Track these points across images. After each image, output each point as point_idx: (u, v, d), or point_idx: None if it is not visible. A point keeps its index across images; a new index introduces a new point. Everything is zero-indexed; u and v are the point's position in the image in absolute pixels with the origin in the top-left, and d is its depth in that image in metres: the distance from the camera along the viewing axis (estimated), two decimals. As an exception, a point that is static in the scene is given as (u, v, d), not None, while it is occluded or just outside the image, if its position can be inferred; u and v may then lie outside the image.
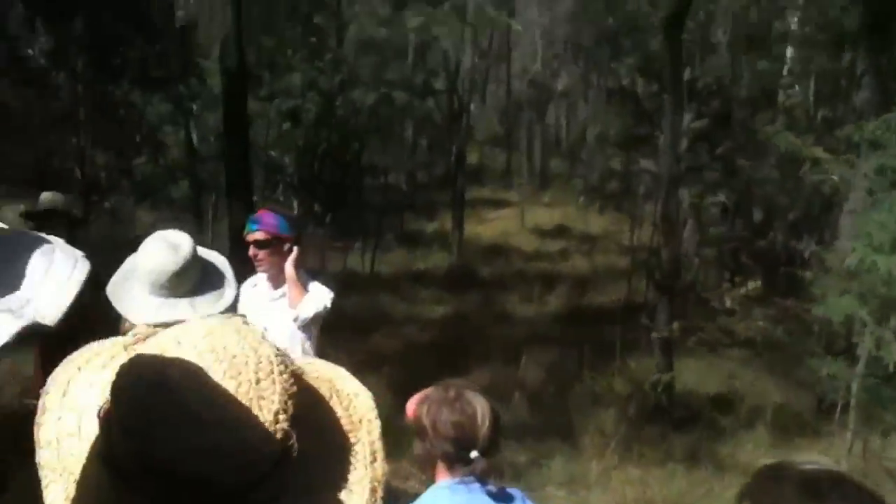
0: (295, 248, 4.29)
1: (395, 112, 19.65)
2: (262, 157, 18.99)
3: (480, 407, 2.41)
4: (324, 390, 1.21)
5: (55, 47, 12.36)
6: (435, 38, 18.48)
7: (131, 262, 3.08)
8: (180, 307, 3.00)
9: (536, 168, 32.25)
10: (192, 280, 3.04)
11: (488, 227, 23.29)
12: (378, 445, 1.18)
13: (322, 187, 19.03)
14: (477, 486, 2.38)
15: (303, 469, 1.06)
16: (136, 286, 3.04)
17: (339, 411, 1.20)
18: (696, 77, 14.56)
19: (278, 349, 1.15)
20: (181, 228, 3.23)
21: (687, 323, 9.16)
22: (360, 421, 1.19)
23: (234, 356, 1.02)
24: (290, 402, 1.03)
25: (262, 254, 4.31)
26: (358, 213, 19.36)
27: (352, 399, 1.21)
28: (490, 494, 2.40)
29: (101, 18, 12.58)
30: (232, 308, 3.26)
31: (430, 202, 25.19)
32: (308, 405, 1.13)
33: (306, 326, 4.28)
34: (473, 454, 2.36)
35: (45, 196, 5.64)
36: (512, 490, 2.47)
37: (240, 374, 1.00)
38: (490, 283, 15.84)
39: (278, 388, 1.03)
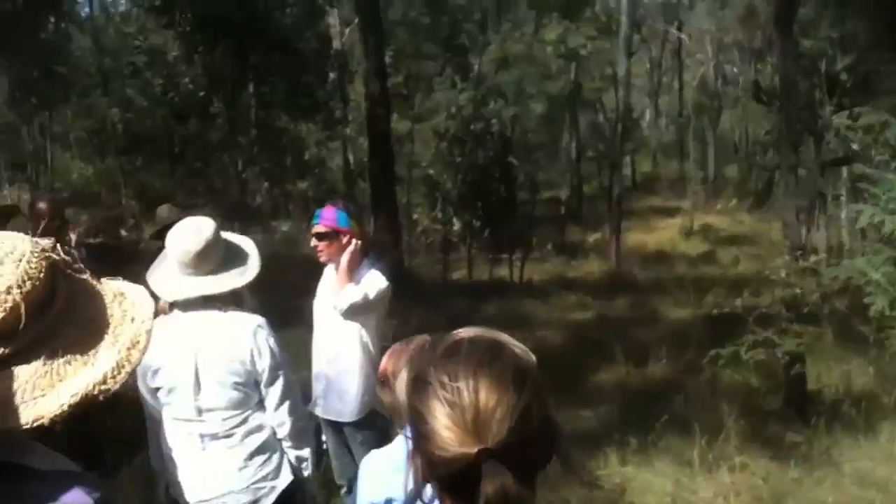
0: (353, 241, 4.48)
1: (555, 124, 19.89)
2: (420, 174, 19.71)
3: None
4: (108, 294, 1.48)
5: (212, 77, 13.37)
6: (588, 52, 18.48)
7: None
8: (204, 283, 3.39)
9: (710, 175, 31.38)
10: (216, 259, 3.41)
11: (655, 235, 22.86)
12: (142, 339, 1.42)
13: (480, 202, 19.45)
14: None
15: (52, 339, 1.35)
16: (167, 267, 3.45)
17: (114, 310, 1.45)
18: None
19: (45, 249, 1.41)
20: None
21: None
22: (132, 320, 1.44)
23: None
24: (28, 283, 1.31)
25: (321, 245, 4.55)
26: (515, 225, 19.51)
27: (133, 304, 1.48)
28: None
29: (256, 48, 13.45)
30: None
31: (596, 213, 24.98)
32: (81, 297, 1.44)
33: (355, 314, 4.46)
34: None
35: (162, 210, 6.19)
36: None
37: None
38: (644, 288, 15.51)
39: (19, 271, 1.31)
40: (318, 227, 4.53)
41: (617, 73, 21.05)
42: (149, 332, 1.44)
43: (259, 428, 3.47)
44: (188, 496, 3.52)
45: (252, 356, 3.36)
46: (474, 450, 1.13)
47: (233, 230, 5.10)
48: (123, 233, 12.21)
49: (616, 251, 18.27)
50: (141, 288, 1.53)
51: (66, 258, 1.44)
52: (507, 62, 17.39)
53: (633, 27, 20.09)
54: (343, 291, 4.38)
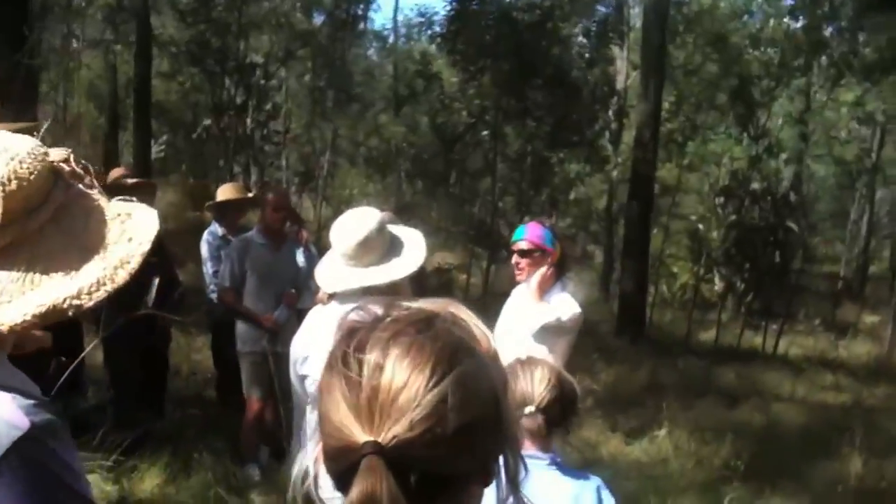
0: (550, 263, 4.37)
1: (846, 194, 18.49)
2: (685, 226, 19.06)
3: (543, 370, 2.38)
4: (111, 211, 1.43)
5: (483, 106, 13.77)
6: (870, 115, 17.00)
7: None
8: (362, 274, 3.34)
9: None
10: (377, 250, 3.34)
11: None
12: (133, 260, 1.33)
13: (748, 263, 18.46)
14: (543, 458, 2.34)
15: (33, 245, 1.30)
16: (331, 259, 3.46)
17: (113, 227, 1.40)
18: None
19: (47, 153, 1.41)
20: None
21: None
22: (130, 240, 1.36)
23: None
24: (14, 182, 1.28)
25: (523, 262, 4.46)
26: (784, 294, 18.26)
27: (136, 225, 1.39)
28: (556, 465, 2.36)
29: (530, 81, 13.69)
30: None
31: (880, 295, 22.79)
32: (77, 209, 1.38)
33: (546, 338, 4.31)
34: (528, 409, 2.32)
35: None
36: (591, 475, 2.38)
37: None
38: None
39: (8, 169, 1.29)
40: (522, 244, 4.44)
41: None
42: (143, 255, 1.33)
43: None
44: (322, 492, 3.52)
45: None
46: (361, 440, 0.87)
47: (479, 259, 5.01)
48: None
49: (892, 336, 16.54)
50: (151, 210, 1.42)
51: (77, 169, 1.38)
52: (792, 119, 16.38)
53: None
54: (537, 312, 4.24)
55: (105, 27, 16.17)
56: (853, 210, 25.43)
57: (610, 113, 17.38)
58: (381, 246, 3.34)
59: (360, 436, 0.87)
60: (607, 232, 18.43)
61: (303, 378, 3.50)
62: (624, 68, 19.48)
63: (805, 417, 9.98)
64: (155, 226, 1.39)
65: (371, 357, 0.89)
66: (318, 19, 20.22)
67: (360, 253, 3.31)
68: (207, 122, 19.16)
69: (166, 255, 6.08)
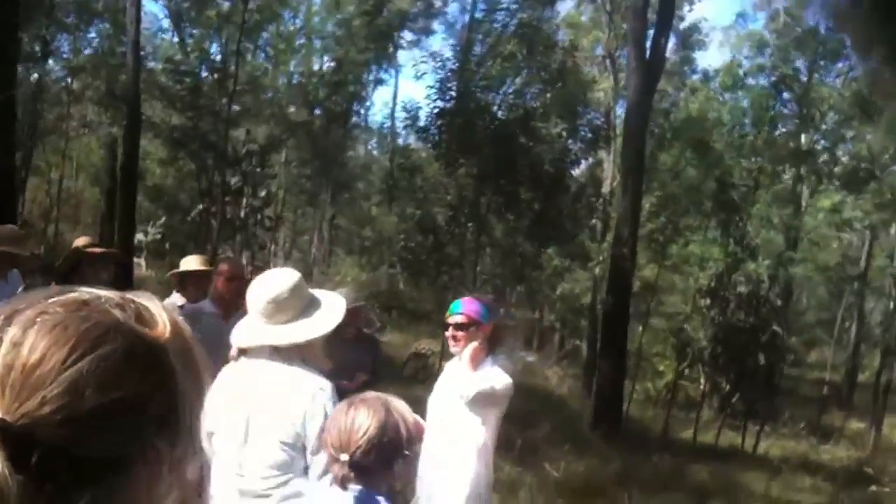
0: (483, 337, 4.43)
1: (835, 301, 18.61)
2: (670, 325, 19.11)
3: (365, 415, 2.42)
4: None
5: (461, 197, 14.05)
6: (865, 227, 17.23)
7: None
8: (271, 332, 3.38)
9: None
10: (291, 310, 3.37)
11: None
12: None
13: (733, 366, 18.46)
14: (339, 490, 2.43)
15: None
16: (250, 317, 3.49)
17: None
18: None
19: None
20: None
21: None
22: None
23: None
24: None
25: (459, 335, 4.50)
26: (767, 395, 18.19)
27: None
28: (354, 498, 2.41)
29: (507, 176, 13.98)
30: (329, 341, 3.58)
31: (867, 403, 22.59)
32: None
33: (478, 407, 4.34)
34: (342, 456, 2.38)
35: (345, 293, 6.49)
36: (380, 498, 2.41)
37: None
38: (894, 480, 13.65)
39: None
40: (458, 318, 4.48)
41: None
42: None
43: (297, 495, 3.25)
44: None
45: (304, 418, 3.18)
46: None
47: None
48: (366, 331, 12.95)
49: (875, 441, 16.40)
50: None
51: None
52: (771, 224, 16.61)
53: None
54: (470, 380, 4.25)
55: (99, 110, 16.60)
56: (840, 315, 25.47)
57: (594, 211, 17.66)
58: (293, 306, 3.36)
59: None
60: (591, 327, 18.48)
61: (209, 434, 3.51)
62: (610, 170, 19.91)
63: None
64: None
65: (11, 333, 0.87)
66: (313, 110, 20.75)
67: (273, 311, 3.35)
68: (201, 206, 19.47)
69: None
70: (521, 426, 12.06)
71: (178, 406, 0.92)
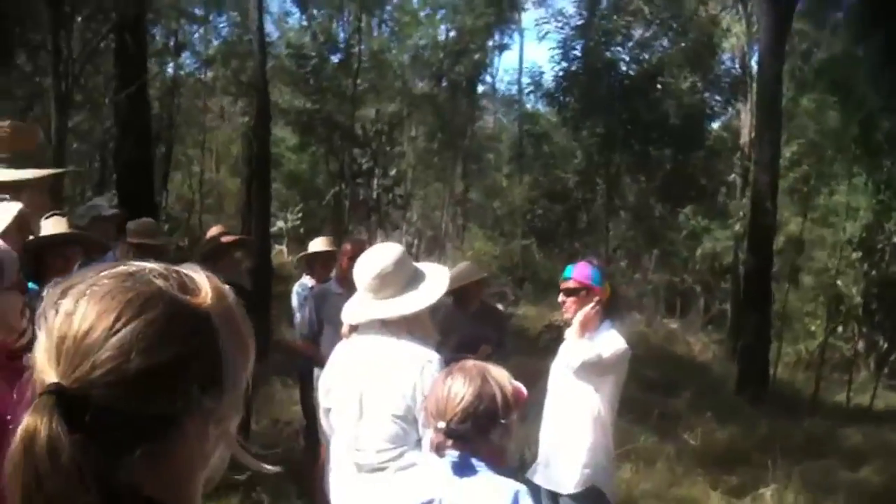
0: (596, 300, 4.32)
1: None
2: (820, 281, 18.25)
3: (462, 383, 2.41)
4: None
5: (592, 162, 13.77)
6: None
7: None
8: (378, 306, 3.41)
9: None
10: (397, 284, 3.40)
11: None
12: None
13: (890, 323, 17.46)
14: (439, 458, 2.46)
15: None
16: (359, 294, 3.53)
17: None
18: None
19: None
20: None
21: None
22: None
23: None
24: None
25: (569, 301, 4.43)
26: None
27: None
28: (452, 463, 2.42)
29: (638, 137, 13.61)
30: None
31: None
32: None
33: (588, 375, 4.24)
34: (439, 424, 2.41)
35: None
36: (478, 463, 2.40)
37: None
38: None
39: None
40: (569, 283, 4.42)
41: None
42: None
43: (412, 467, 3.26)
44: None
45: (414, 391, 3.22)
46: (49, 380, 0.91)
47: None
48: (500, 307, 12.95)
49: None
50: None
51: None
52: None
53: None
54: (576, 348, 4.19)
55: (231, 100, 17.16)
56: None
57: (732, 166, 16.96)
58: (398, 280, 3.39)
59: (50, 378, 0.93)
60: (734, 288, 17.82)
61: (327, 411, 3.58)
62: (748, 121, 19.03)
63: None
64: None
65: (65, 305, 0.96)
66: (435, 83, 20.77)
67: (379, 286, 3.38)
68: (334, 189, 19.91)
69: (252, 307, 6.33)
70: (662, 394, 11.82)
71: (222, 367, 1.00)
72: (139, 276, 1.00)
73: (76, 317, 0.94)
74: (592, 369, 4.18)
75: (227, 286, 1.08)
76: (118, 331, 0.93)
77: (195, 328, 0.99)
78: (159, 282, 1.00)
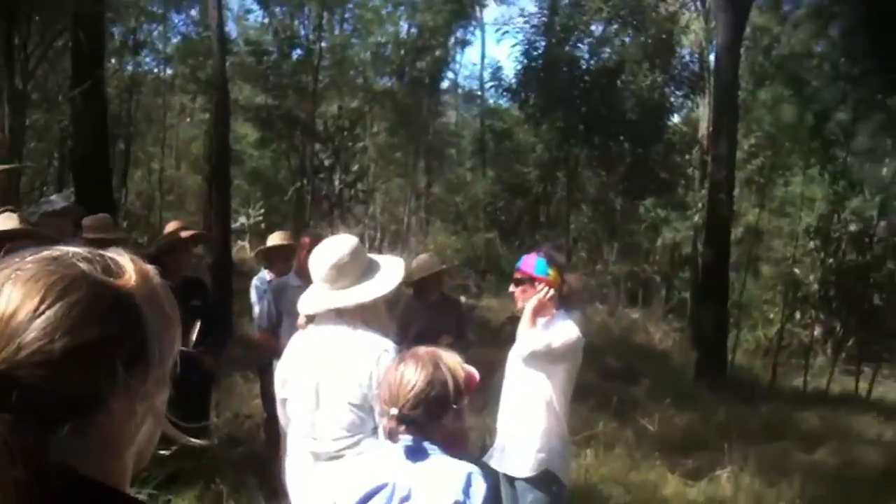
0: (545, 289, 4.38)
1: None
2: (777, 271, 18.55)
3: (414, 370, 2.46)
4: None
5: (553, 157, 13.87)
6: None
7: None
8: (333, 296, 3.45)
9: None
10: (352, 274, 3.45)
11: None
12: None
13: (846, 309, 17.80)
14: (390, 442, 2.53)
15: None
16: (315, 285, 3.58)
17: None
18: None
19: None
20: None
21: None
22: None
23: None
24: None
25: (517, 291, 4.51)
26: (883, 339, 17.43)
27: None
28: (405, 448, 2.47)
29: (600, 132, 13.73)
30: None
31: None
32: None
33: (538, 364, 4.30)
34: (392, 411, 2.45)
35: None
36: (431, 447, 2.46)
37: None
38: None
39: None
40: (516, 274, 4.52)
41: None
42: None
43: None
44: None
45: (370, 380, 3.23)
46: None
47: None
48: (463, 299, 13.03)
49: None
50: None
51: None
52: (874, 155, 15.82)
53: None
54: (526, 337, 4.25)
55: (190, 98, 17.05)
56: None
57: (692, 159, 17.18)
58: (354, 270, 3.44)
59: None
60: (694, 278, 18.07)
61: (283, 401, 3.62)
62: (706, 115, 19.27)
63: (888, 460, 9.48)
64: None
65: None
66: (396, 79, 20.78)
67: (335, 276, 3.43)
68: (295, 185, 19.85)
69: (209, 301, 6.37)
70: (622, 382, 11.97)
71: (148, 346, 1.03)
72: (63, 260, 1.02)
73: (1, 300, 0.96)
74: (543, 358, 4.25)
75: (151, 267, 1.10)
76: (42, 312, 0.95)
77: (119, 308, 1.01)
78: (83, 265, 1.03)
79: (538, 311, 4.32)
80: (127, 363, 0.99)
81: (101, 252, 1.08)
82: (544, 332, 4.28)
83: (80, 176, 9.57)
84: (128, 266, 1.07)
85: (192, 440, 1.15)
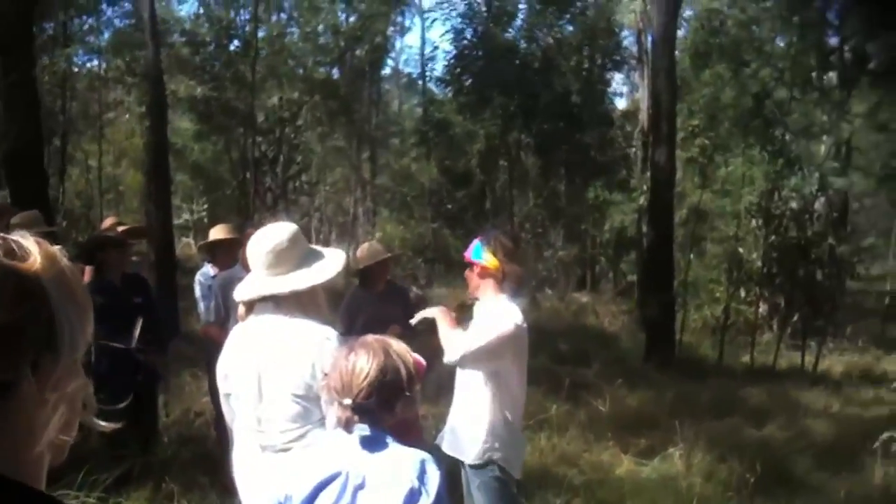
0: (476, 277, 4.31)
1: None
2: (721, 250, 18.80)
3: (365, 359, 2.41)
4: None
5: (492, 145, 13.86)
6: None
7: None
8: (269, 282, 3.36)
9: None
10: (290, 262, 3.37)
11: None
12: None
13: (789, 285, 18.13)
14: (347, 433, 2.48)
15: None
16: (252, 272, 3.51)
17: None
18: None
19: None
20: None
21: None
22: None
23: None
24: None
25: (466, 274, 4.47)
26: (827, 313, 17.79)
27: None
28: (361, 437, 2.44)
29: (538, 116, 13.75)
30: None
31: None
32: None
33: (477, 364, 4.22)
34: (345, 401, 2.41)
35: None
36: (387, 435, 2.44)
37: None
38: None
39: None
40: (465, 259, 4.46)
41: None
42: None
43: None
44: None
45: (314, 369, 3.17)
46: None
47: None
48: (414, 289, 12.98)
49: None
50: None
51: None
52: (810, 132, 16.10)
53: None
54: (452, 343, 4.15)
55: (125, 91, 16.70)
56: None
57: (632, 140, 17.31)
58: (292, 257, 3.36)
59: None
60: (640, 260, 18.23)
61: (227, 396, 3.52)
62: (646, 97, 19.44)
63: (835, 431, 9.67)
64: None
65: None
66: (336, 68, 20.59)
67: (273, 262, 3.35)
68: (238, 178, 19.59)
69: (151, 298, 6.25)
70: (573, 365, 12.05)
71: (57, 330, 1.00)
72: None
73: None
74: (480, 357, 4.17)
75: (58, 248, 1.07)
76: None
77: (24, 293, 0.99)
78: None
79: (446, 314, 4.29)
80: (36, 349, 0.98)
81: (4, 236, 1.04)
82: (477, 329, 4.21)
83: (12, 174, 9.30)
84: (33, 249, 1.04)
85: (101, 423, 1.11)
